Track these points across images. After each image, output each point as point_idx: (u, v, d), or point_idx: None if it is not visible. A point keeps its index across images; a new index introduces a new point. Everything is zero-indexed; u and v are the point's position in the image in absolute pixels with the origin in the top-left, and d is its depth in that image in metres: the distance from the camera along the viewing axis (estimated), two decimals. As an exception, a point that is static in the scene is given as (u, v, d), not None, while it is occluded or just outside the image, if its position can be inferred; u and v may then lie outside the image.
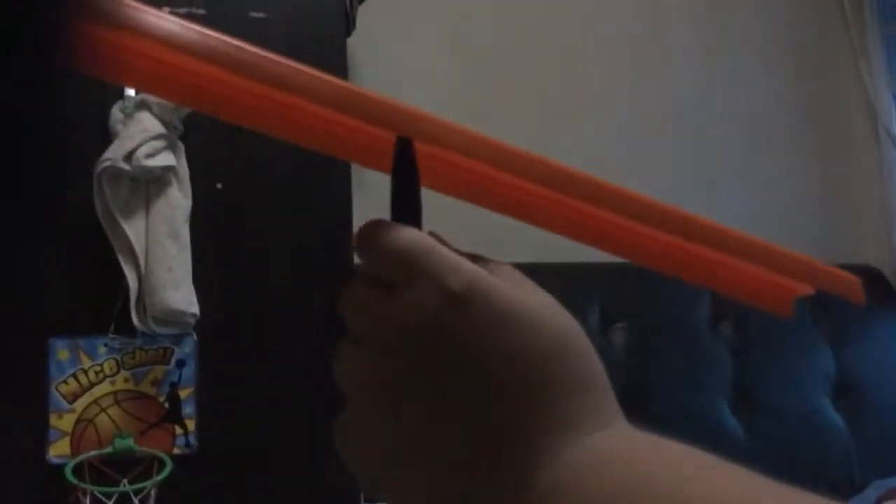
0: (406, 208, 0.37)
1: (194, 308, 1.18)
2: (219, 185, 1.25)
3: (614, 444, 0.31)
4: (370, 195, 1.73)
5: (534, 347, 0.32)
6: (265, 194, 1.27)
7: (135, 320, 1.15)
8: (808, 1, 2.35)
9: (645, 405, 1.69)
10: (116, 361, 1.17)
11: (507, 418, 0.31)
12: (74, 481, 1.09)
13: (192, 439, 1.18)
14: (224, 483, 1.19)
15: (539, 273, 0.38)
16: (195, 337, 1.20)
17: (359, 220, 1.30)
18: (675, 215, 0.42)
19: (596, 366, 0.33)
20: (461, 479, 0.32)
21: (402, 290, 0.34)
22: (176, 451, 1.17)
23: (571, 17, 2.11)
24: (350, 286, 0.36)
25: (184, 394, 1.19)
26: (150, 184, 1.18)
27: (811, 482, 0.27)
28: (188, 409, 1.19)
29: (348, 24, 1.38)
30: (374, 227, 0.36)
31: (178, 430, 1.18)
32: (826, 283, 0.45)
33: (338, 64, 1.32)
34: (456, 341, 0.32)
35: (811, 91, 2.31)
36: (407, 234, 0.35)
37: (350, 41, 1.39)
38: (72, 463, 1.11)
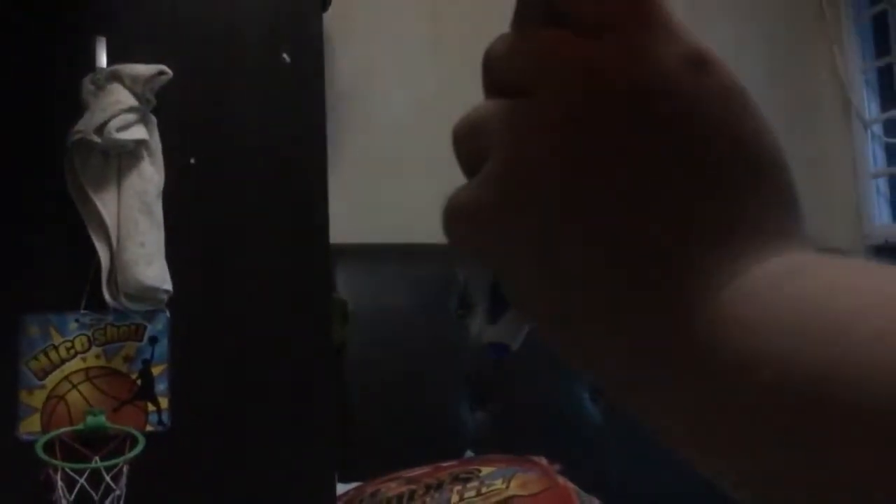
0: None
1: (167, 284, 1.17)
2: (192, 160, 1.23)
3: (820, 265, 0.27)
4: (345, 170, 1.73)
5: (767, 137, 0.28)
6: (239, 169, 1.26)
7: (107, 296, 1.14)
8: (783, -15, 2.36)
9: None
10: (88, 338, 1.16)
11: (729, 202, 0.27)
12: (45, 458, 1.08)
13: (164, 416, 1.18)
14: (197, 460, 1.19)
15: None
16: (168, 313, 1.19)
17: (335, 196, 1.30)
18: None
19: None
20: (657, 265, 0.26)
21: (626, 37, 0.27)
22: (149, 428, 1.17)
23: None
24: (521, 35, 0.30)
25: (156, 371, 1.18)
26: (122, 157, 1.16)
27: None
28: (161, 387, 1.18)
29: (324, 0, 1.36)
30: None
31: (151, 407, 1.18)
32: None
33: (313, 40, 1.31)
34: (692, 102, 0.27)
35: (783, 76, 2.32)
36: None
37: (326, 17, 1.37)
38: (42, 440, 1.10)
